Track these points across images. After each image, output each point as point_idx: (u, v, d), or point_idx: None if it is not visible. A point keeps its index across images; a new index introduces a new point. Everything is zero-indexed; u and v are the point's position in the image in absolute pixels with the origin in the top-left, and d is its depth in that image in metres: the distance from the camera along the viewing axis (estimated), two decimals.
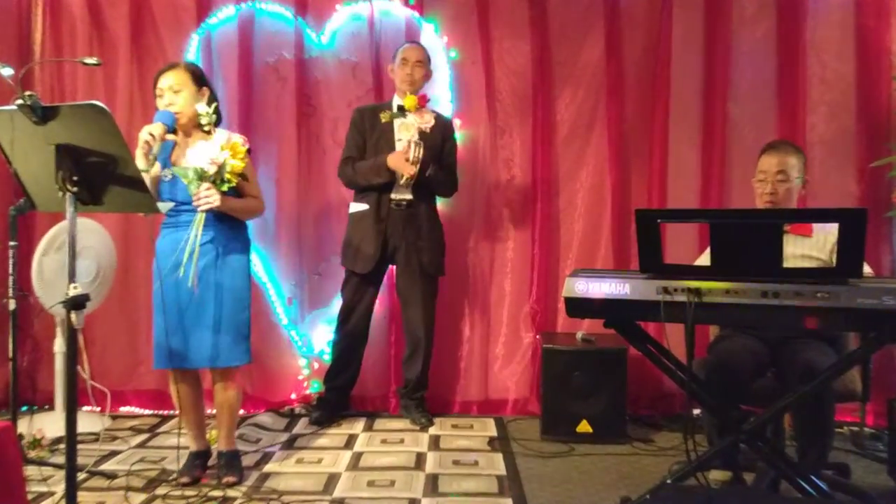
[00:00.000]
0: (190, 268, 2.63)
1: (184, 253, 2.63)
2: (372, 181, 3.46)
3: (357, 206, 3.56)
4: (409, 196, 3.49)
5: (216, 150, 2.58)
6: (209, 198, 2.60)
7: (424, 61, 3.54)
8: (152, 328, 2.75)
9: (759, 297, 2.02)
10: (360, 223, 3.53)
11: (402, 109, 3.51)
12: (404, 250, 3.51)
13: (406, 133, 3.47)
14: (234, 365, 2.76)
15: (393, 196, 3.49)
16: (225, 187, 2.62)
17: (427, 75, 3.57)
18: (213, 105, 2.71)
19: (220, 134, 2.66)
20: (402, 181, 3.42)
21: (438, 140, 3.54)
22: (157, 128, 2.54)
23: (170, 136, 2.63)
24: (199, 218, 2.64)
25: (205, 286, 2.67)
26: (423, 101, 3.52)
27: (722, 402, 2.41)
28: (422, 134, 3.49)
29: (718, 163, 3.74)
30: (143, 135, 2.52)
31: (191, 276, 2.63)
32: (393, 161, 3.38)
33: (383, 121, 3.48)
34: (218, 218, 2.68)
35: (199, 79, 2.76)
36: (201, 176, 2.58)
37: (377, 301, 3.70)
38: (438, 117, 3.61)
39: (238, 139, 2.66)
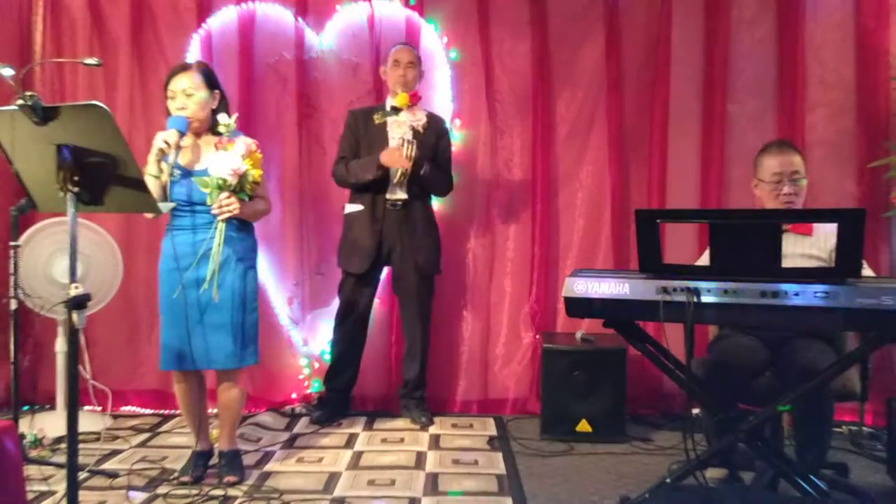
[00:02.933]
0: (213, 280, 2.63)
1: (206, 261, 2.63)
2: (362, 178, 3.46)
3: (352, 207, 3.57)
4: (403, 196, 3.50)
5: (237, 160, 2.58)
6: (229, 206, 2.61)
7: (416, 62, 3.55)
8: (157, 328, 2.77)
9: (758, 297, 2.02)
10: (356, 224, 3.54)
11: (395, 109, 3.52)
12: (400, 250, 3.52)
13: (399, 131, 3.47)
14: (242, 366, 2.77)
15: (388, 196, 3.50)
16: (245, 196, 2.64)
17: (419, 75, 3.59)
18: (234, 116, 2.71)
19: (240, 143, 2.62)
20: (395, 179, 3.43)
21: (432, 139, 3.55)
22: (171, 135, 2.53)
23: (182, 144, 2.62)
24: (221, 228, 2.64)
25: (217, 288, 2.67)
26: (414, 99, 3.52)
27: (721, 401, 2.42)
28: (415, 133, 3.49)
29: (718, 163, 3.75)
30: (158, 142, 2.53)
31: (214, 289, 2.64)
32: (386, 157, 3.39)
33: (376, 122, 3.49)
34: (228, 222, 2.68)
35: (211, 81, 2.76)
36: (222, 186, 2.59)
37: (376, 301, 3.72)
38: (432, 116, 3.62)
39: (252, 145, 2.66)
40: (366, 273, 3.55)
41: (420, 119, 3.52)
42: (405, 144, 3.37)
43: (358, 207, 3.54)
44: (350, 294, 3.61)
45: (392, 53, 3.56)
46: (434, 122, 3.60)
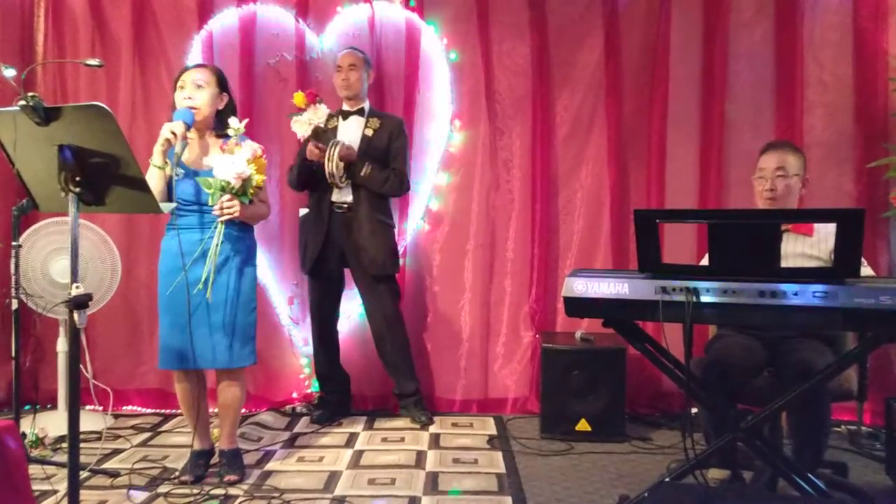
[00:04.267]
0: (208, 280, 2.65)
1: (204, 260, 2.66)
2: (296, 172, 3.54)
3: (303, 211, 3.64)
4: (348, 198, 3.52)
5: (242, 164, 2.60)
6: (230, 209, 2.64)
7: (358, 65, 3.56)
8: (157, 328, 2.77)
9: (757, 297, 2.02)
10: (304, 226, 3.60)
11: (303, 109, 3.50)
12: (352, 253, 3.54)
13: (300, 129, 3.48)
14: (240, 366, 2.78)
15: (333, 199, 3.52)
16: (246, 200, 2.66)
17: (367, 77, 3.60)
18: (244, 121, 2.72)
19: (246, 148, 2.64)
20: (329, 180, 3.44)
21: (384, 141, 3.55)
22: (178, 126, 2.55)
23: (188, 136, 2.63)
24: (220, 229, 2.67)
25: (213, 288, 2.69)
26: (311, 98, 3.52)
27: (719, 400, 2.42)
28: (364, 136, 3.51)
29: (716, 163, 3.76)
30: (165, 132, 2.55)
31: (209, 289, 2.66)
32: (308, 151, 3.43)
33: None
34: (229, 223, 2.70)
35: (223, 83, 2.80)
36: (225, 189, 2.61)
37: (341, 304, 3.74)
38: (386, 117, 3.63)
39: (258, 150, 2.68)
40: (320, 275, 3.58)
41: (321, 117, 3.45)
42: (331, 146, 3.40)
43: (307, 211, 3.60)
44: (314, 300, 3.67)
45: (337, 59, 3.60)
46: (388, 124, 3.59)
